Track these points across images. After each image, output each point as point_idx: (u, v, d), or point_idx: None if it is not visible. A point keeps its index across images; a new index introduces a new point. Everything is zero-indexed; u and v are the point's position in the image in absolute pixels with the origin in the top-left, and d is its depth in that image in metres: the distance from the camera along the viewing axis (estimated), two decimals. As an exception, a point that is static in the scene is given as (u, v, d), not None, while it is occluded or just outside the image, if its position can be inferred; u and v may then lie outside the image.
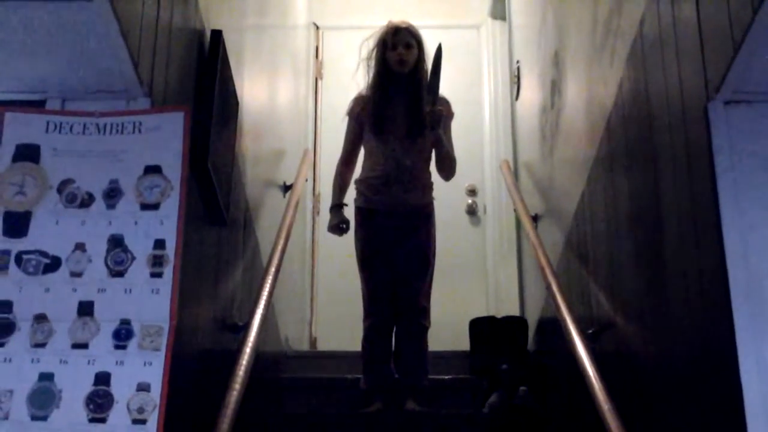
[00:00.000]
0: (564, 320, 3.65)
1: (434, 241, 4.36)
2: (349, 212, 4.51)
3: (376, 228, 4.32)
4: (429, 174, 4.40)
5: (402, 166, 4.26)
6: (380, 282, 4.28)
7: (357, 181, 4.44)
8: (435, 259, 4.36)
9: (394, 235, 4.28)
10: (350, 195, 4.51)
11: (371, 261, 4.31)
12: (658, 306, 2.70)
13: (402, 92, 4.32)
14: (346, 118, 4.48)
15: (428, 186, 4.40)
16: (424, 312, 4.28)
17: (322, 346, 6.21)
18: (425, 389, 4.31)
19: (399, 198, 4.28)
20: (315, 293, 6.38)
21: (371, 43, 4.39)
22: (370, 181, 4.34)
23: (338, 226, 4.41)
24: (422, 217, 4.34)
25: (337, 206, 4.43)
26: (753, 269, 2.09)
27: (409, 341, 4.27)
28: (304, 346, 6.12)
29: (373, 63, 4.38)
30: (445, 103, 4.36)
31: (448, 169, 4.39)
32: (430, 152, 4.37)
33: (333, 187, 4.51)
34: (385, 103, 4.32)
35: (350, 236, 4.52)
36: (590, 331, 3.49)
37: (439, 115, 4.20)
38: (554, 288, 3.98)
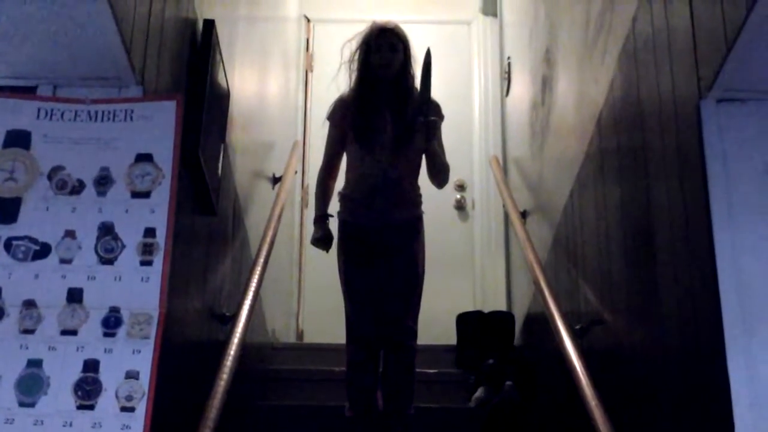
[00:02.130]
0: (552, 315, 3.66)
1: (423, 258, 4.00)
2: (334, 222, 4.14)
3: (362, 243, 3.93)
4: (418, 186, 4.03)
5: (389, 180, 3.89)
6: (365, 301, 3.89)
7: (341, 194, 4.05)
8: (424, 278, 3.99)
9: (380, 251, 3.91)
10: (334, 206, 4.12)
11: (356, 279, 3.93)
12: (647, 302, 2.70)
13: (387, 99, 3.97)
14: (326, 123, 4.10)
15: (417, 199, 4.03)
16: (413, 334, 3.92)
17: (309, 338, 6.21)
18: (411, 418, 3.94)
19: (387, 213, 3.91)
20: (302, 285, 6.38)
21: (354, 45, 4.01)
22: (355, 195, 3.96)
23: (322, 241, 4.01)
24: (411, 232, 3.97)
25: (322, 218, 4.03)
26: (742, 265, 2.10)
27: (397, 366, 3.90)
28: (291, 339, 6.12)
29: (355, 66, 4.01)
30: (436, 106, 3.99)
31: (441, 177, 4.04)
32: (419, 162, 4.02)
33: (315, 197, 4.11)
34: (369, 110, 3.96)
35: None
36: (578, 327, 3.50)
37: (435, 126, 3.87)
38: (542, 283, 3.99)
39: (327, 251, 4.06)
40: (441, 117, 4.02)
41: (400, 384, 3.91)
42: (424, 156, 4.00)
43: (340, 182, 4.10)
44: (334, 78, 4.06)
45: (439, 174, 4.02)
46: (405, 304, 3.90)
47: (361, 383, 3.91)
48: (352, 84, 4.02)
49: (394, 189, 3.92)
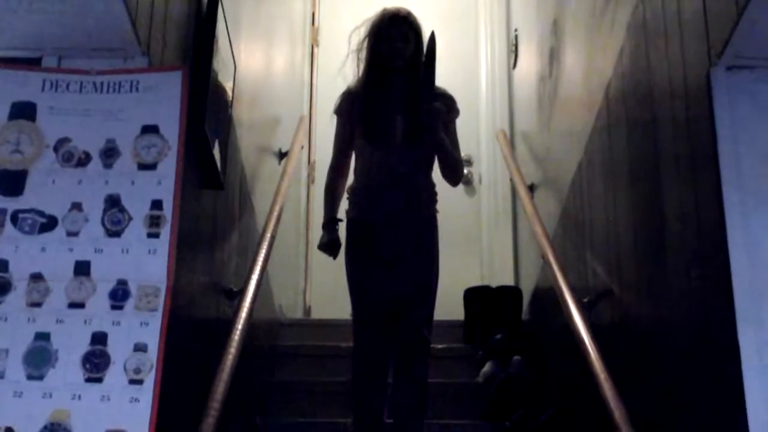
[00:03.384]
0: (560, 289, 3.65)
1: (438, 262, 3.73)
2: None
3: (371, 244, 3.66)
4: (431, 182, 3.78)
5: (396, 174, 3.65)
6: (375, 307, 3.61)
7: (349, 189, 3.82)
8: (438, 282, 3.74)
9: (392, 252, 3.63)
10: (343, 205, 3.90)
11: (364, 282, 3.65)
12: (657, 275, 2.69)
13: (397, 90, 3.72)
14: (335, 117, 3.84)
15: (431, 196, 3.78)
16: (427, 344, 3.64)
17: (316, 314, 6.21)
18: None
19: (397, 210, 3.66)
20: (309, 261, 6.37)
21: (362, 32, 3.75)
22: (364, 191, 3.73)
23: (329, 246, 3.77)
24: (424, 233, 3.71)
25: (331, 221, 3.78)
26: (753, 235, 2.09)
27: (408, 380, 3.57)
28: (298, 314, 6.12)
29: (364, 55, 3.75)
30: (449, 99, 3.74)
31: (453, 174, 3.77)
32: (432, 157, 3.74)
33: (324, 198, 3.85)
34: (378, 102, 3.72)
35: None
36: (586, 300, 3.49)
37: (436, 113, 3.60)
38: (550, 257, 3.98)
39: (334, 258, 3.82)
40: (455, 110, 3.78)
41: (410, 402, 3.59)
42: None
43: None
44: (340, 70, 3.84)
45: (449, 170, 3.75)
46: (420, 310, 3.64)
47: (368, 401, 3.59)
48: (360, 75, 3.79)
49: (404, 185, 3.68)
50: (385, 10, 3.77)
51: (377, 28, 3.72)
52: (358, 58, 3.78)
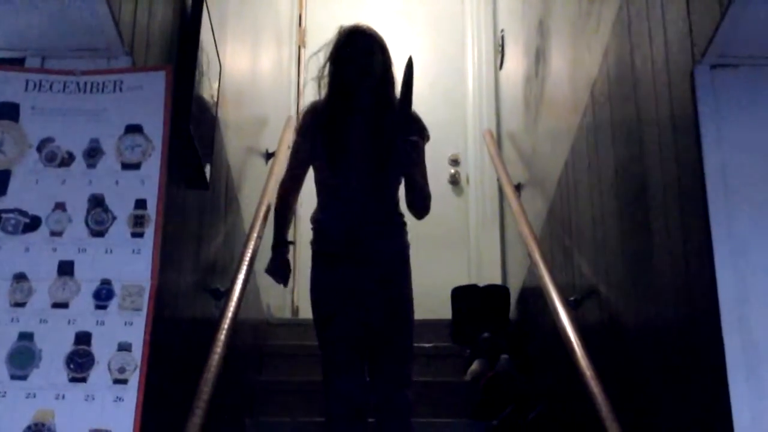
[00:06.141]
0: (546, 288, 3.65)
1: (412, 295, 3.41)
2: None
3: (340, 278, 3.32)
4: (401, 213, 3.45)
5: (367, 206, 3.34)
6: (347, 347, 3.26)
7: (312, 220, 3.49)
8: (414, 317, 3.41)
9: (363, 288, 3.30)
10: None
11: (334, 321, 3.28)
12: (643, 273, 2.70)
13: (363, 114, 3.36)
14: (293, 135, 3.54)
15: (401, 226, 3.45)
16: (408, 380, 3.30)
17: (304, 314, 6.20)
18: None
19: (368, 244, 3.32)
20: (297, 261, 6.36)
21: (321, 58, 3.42)
22: (329, 222, 3.40)
23: (278, 273, 3.47)
24: (397, 264, 3.39)
25: (280, 244, 3.47)
26: (737, 232, 2.10)
27: (392, 422, 3.26)
28: (286, 314, 6.11)
29: (325, 82, 3.41)
30: (421, 126, 3.39)
31: (420, 207, 3.38)
32: (399, 184, 3.39)
33: (274, 218, 3.54)
34: (342, 130, 3.34)
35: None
36: (572, 299, 3.50)
37: (415, 148, 3.22)
38: (537, 256, 3.98)
39: (285, 285, 3.61)
40: (425, 137, 3.42)
41: None
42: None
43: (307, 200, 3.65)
44: (304, 89, 3.58)
45: (418, 203, 3.38)
46: (399, 347, 3.33)
47: None
48: (322, 101, 3.43)
49: (374, 215, 3.37)
50: (341, 27, 3.44)
51: (336, 51, 3.39)
52: (320, 86, 3.45)
